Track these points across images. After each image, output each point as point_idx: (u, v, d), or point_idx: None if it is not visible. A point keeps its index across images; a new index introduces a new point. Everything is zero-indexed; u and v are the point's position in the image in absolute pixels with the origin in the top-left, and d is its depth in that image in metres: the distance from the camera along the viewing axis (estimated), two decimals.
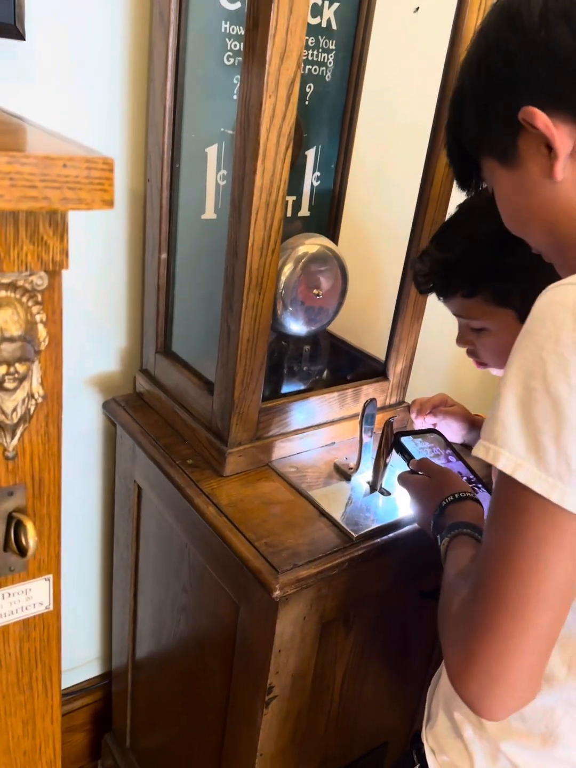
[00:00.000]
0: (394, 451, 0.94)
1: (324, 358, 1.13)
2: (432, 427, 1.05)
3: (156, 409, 1.10)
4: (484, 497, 0.85)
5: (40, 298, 0.44)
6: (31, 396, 0.46)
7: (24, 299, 0.43)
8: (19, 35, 0.82)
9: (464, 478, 0.90)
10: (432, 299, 1.08)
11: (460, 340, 0.94)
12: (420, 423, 1.08)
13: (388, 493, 0.97)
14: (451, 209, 0.92)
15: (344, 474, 1.00)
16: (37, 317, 0.44)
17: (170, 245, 1.03)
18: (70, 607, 1.34)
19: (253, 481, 0.96)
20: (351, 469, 1.00)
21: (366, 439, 0.98)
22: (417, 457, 0.92)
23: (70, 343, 1.11)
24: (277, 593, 0.78)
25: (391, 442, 0.93)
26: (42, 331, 0.45)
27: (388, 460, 0.96)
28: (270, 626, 0.83)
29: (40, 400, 0.47)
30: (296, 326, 1.04)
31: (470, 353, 0.94)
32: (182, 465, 0.98)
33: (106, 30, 0.94)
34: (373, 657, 1.02)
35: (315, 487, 0.96)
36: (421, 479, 0.86)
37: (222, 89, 0.97)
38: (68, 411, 1.16)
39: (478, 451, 0.53)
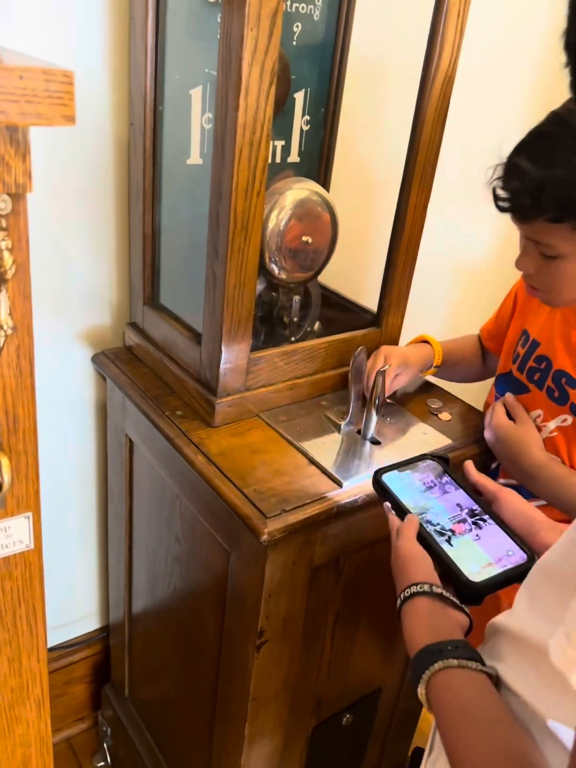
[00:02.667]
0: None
1: (315, 308, 1.12)
2: (425, 454, 0.85)
3: (145, 362, 1.09)
4: (491, 531, 0.73)
5: (4, 223, 0.42)
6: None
7: None
8: None
9: (465, 510, 0.76)
10: (426, 245, 1.06)
11: (522, 263, 0.87)
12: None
13: (378, 442, 0.97)
14: (454, 148, 0.87)
15: (335, 424, 0.99)
16: (2, 244, 0.43)
17: (155, 192, 1.00)
18: (68, 562, 1.36)
19: (242, 431, 0.96)
20: (341, 419, 0.99)
21: (356, 389, 0.97)
22: (403, 496, 0.77)
23: (59, 297, 1.10)
24: (265, 538, 0.78)
25: (373, 478, 0.81)
26: (8, 259, 0.44)
27: (378, 410, 0.95)
28: (259, 571, 0.84)
29: (9, 331, 0.46)
30: (285, 275, 1.02)
31: (527, 277, 0.88)
32: (171, 416, 0.97)
33: None
34: (364, 603, 1.03)
35: (305, 437, 0.96)
36: (393, 557, 0.72)
37: (206, 29, 0.94)
38: (60, 366, 1.16)
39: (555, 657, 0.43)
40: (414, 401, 1.10)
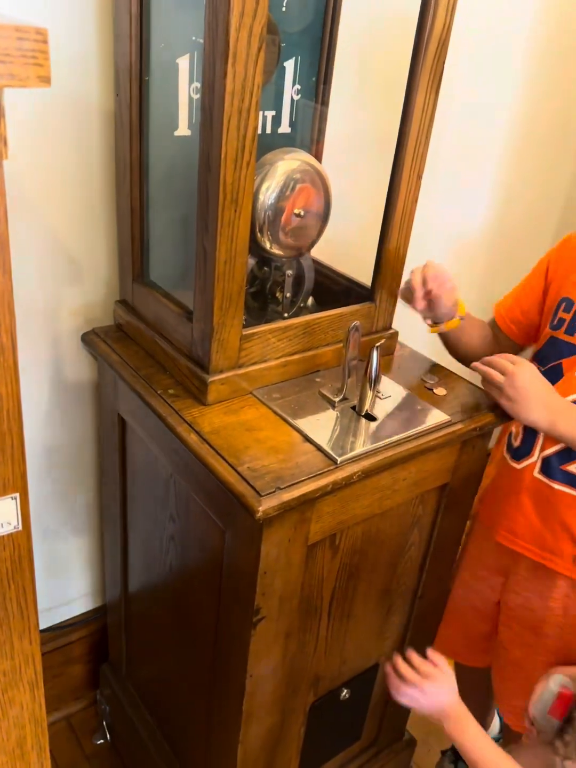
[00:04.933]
0: None
1: (308, 283, 1.10)
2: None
3: (136, 339, 1.08)
4: None
5: None
6: None
7: None
8: None
9: None
10: (419, 217, 1.04)
11: None
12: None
13: (374, 418, 0.96)
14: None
15: (329, 401, 0.98)
16: None
17: (142, 165, 0.98)
18: (64, 543, 1.35)
19: (236, 409, 0.95)
20: (336, 395, 0.98)
21: (351, 365, 0.96)
22: None
23: (48, 274, 1.08)
24: (260, 515, 0.77)
25: None
26: None
27: (373, 386, 0.94)
28: (255, 548, 0.83)
29: None
30: (277, 249, 1.00)
31: None
32: (164, 394, 0.96)
33: None
34: (360, 579, 1.03)
35: (299, 414, 0.95)
36: None
37: None
38: (49, 344, 1.14)
39: None
40: (409, 377, 1.09)
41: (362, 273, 1.12)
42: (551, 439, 1.05)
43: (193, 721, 1.15)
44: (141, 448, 1.08)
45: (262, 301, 1.09)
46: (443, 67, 0.92)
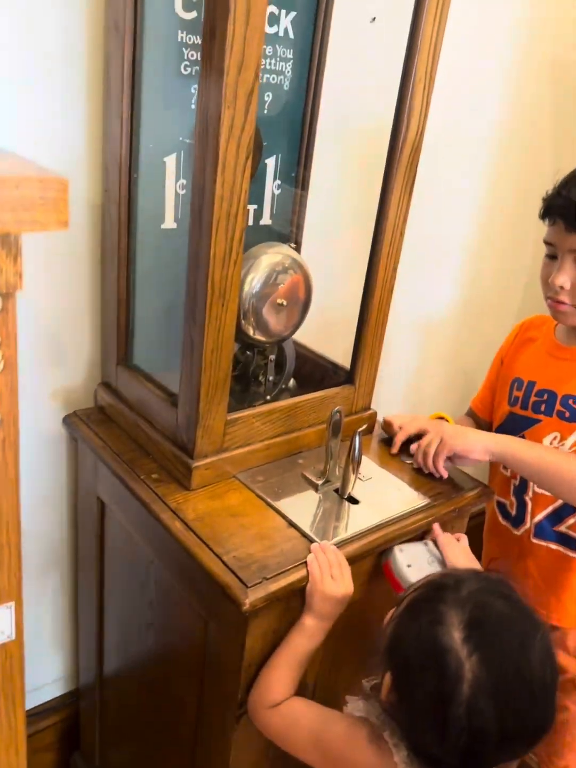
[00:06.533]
0: None
1: (289, 366, 1.13)
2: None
3: (118, 423, 1.08)
4: None
5: None
6: None
7: None
8: None
9: None
10: (397, 302, 1.09)
11: (560, 278, 1.01)
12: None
13: (357, 502, 0.97)
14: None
15: (312, 483, 0.99)
16: None
17: (129, 256, 1.01)
18: (35, 625, 1.31)
19: (220, 493, 0.95)
20: (319, 478, 0.99)
21: (333, 448, 0.98)
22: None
23: (31, 357, 1.09)
24: (246, 608, 0.77)
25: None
26: None
27: (356, 469, 0.96)
28: (239, 641, 0.83)
29: None
30: (260, 336, 1.03)
31: (561, 293, 1.02)
32: (147, 479, 0.96)
33: (61, 41, 0.92)
34: (346, 662, 1.02)
35: (283, 497, 0.96)
36: None
37: (180, 99, 0.96)
38: (31, 427, 1.14)
39: None
40: (388, 456, 1.11)
41: (340, 353, 1.16)
42: (539, 503, 1.14)
43: None
44: (121, 533, 1.07)
45: (244, 383, 1.11)
46: (416, 171, 0.98)
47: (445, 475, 1.04)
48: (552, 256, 1.04)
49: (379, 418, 1.19)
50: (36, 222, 0.38)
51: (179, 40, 0.92)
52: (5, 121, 0.92)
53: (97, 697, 1.28)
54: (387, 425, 1.15)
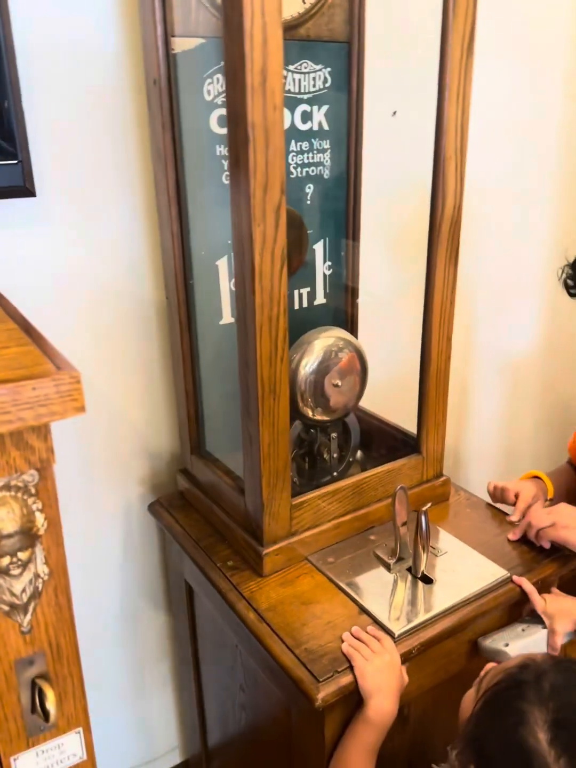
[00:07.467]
0: None
1: (355, 440, 1.14)
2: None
3: (196, 507, 1.14)
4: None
5: (33, 490, 0.48)
6: (37, 576, 0.50)
7: (19, 495, 0.47)
8: (30, 193, 0.90)
9: None
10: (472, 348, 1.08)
11: None
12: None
13: (431, 581, 0.96)
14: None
15: (384, 563, 0.99)
16: (34, 507, 0.48)
17: (193, 352, 1.07)
18: (147, 699, 1.38)
19: (291, 579, 0.97)
20: (391, 557, 0.99)
21: (400, 527, 0.98)
22: None
23: (117, 449, 1.18)
24: (319, 703, 0.78)
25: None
26: (40, 518, 0.49)
27: (425, 547, 0.95)
28: (319, 731, 0.84)
29: (46, 577, 0.50)
30: (321, 415, 1.05)
31: None
32: (223, 567, 1.00)
33: (116, 172, 1.02)
34: (435, 745, 0.99)
35: (355, 579, 0.96)
36: None
37: (224, 207, 1.01)
38: (122, 513, 1.22)
39: None
40: (465, 525, 1.09)
41: (408, 420, 1.16)
42: None
43: None
44: (208, 615, 1.12)
45: (311, 461, 1.14)
46: (459, 243, 0.98)
47: (548, 546, 1.02)
48: None
49: (472, 465, 1.17)
50: (54, 413, 0.43)
51: (218, 154, 0.99)
52: (73, 245, 1.01)
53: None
54: (498, 492, 1.13)
